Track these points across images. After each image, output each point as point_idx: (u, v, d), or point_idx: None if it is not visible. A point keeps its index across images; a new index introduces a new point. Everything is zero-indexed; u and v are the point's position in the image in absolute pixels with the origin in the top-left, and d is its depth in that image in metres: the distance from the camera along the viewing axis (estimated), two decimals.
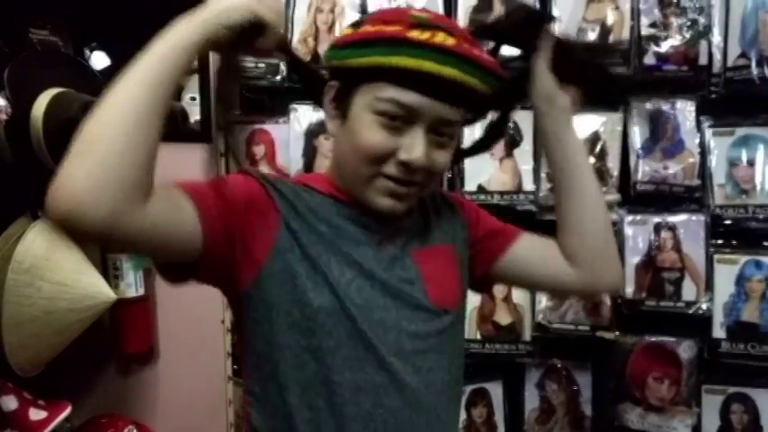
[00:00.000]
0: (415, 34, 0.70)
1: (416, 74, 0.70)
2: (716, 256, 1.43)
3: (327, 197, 0.80)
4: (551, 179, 0.90)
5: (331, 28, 1.49)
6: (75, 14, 1.40)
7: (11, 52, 1.24)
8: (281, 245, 0.75)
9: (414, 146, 0.73)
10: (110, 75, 1.37)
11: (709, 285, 1.42)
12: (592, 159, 1.44)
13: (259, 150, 1.50)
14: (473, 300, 1.49)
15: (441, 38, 0.70)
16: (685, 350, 1.45)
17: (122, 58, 1.53)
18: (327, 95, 0.79)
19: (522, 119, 1.46)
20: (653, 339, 1.46)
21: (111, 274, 1.38)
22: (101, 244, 0.66)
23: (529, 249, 0.88)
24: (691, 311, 1.42)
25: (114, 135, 0.61)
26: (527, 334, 1.48)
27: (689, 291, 1.43)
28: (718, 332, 1.42)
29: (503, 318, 1.49)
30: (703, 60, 1.41)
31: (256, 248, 0.73)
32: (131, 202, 0.61)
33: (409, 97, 0.72)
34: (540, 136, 0.91)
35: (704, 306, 1.42)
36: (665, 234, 1.43)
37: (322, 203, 0.79)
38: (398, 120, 0.73)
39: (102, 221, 0.59)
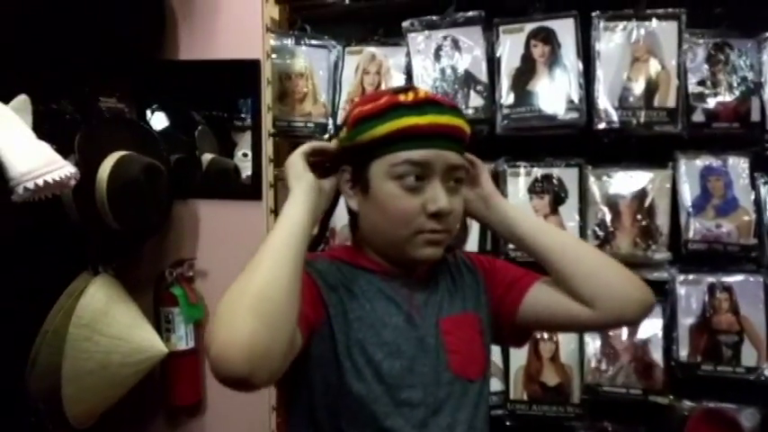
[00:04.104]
0: (402, 98, 0.81)
1: (419, 129, 0.80)
2: None
3: (360, 270, 0.86)
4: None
5: (377, 89, 1.54)
6: (140, 80, 1.50)
7: (81, 118, 1.34)
8: (323, 331, 0.80)
9: (437, 196, 0.80)
10: (168, 135, 1.46)
11: None
12: (639, 216, 1.42)
13: None
14: (519, 358, 1.46)
15: (422, 94, 0.82)
16: (748, 418, 1.37)
17: (179, 118, 1.61)
18: (342, 178, 0.87)
19: (567, 176, 1.46)
20: (711, 405, 1.39)
21: (162, 327, 1.42)
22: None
23: (547, 293, 0.88)
24: (752, 378, 1.35)
25: (280, 297, 0.69)
26: (576, 396, 1.44)
27: (749, 356, 1.36)
28: None
29: (550, 378, 1.45)
30: (755, 117, 1.39)
31: (306, 334, 0.78)
32: (287, 361, 0.70)
33: (420, 154, 0.80)
34: (496, 232, 0.96)
35: (767, 372, 1.35)
36: (720, 295, 1.38)
37: (356, 277, 0.85)
38: (416, 179, 0.80)
39: (268, 380, 0.68)
